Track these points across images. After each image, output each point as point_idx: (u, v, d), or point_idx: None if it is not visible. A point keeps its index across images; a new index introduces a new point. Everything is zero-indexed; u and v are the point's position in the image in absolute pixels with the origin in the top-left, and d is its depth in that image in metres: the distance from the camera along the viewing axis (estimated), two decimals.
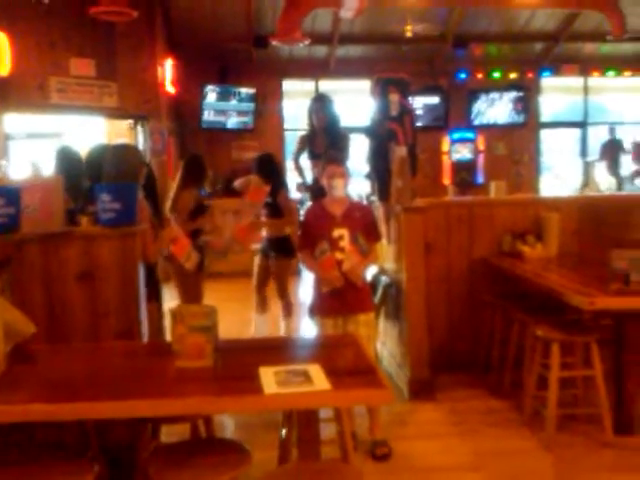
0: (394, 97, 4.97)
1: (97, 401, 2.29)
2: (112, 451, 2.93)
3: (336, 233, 3.82)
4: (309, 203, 5.44)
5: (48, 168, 5.20)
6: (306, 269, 4.17)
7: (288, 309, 5.55)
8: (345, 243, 3.81)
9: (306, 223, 4.04)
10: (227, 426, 4.08)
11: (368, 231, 3.91)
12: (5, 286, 2.96)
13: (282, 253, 5.41)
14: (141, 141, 8.62)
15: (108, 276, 3.46)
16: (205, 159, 5.44)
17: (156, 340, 3.91)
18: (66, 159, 5.00)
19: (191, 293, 5.19)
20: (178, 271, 5.03)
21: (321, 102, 5.59)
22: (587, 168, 11.23)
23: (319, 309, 3.91)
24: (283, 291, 5.52)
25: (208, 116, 10.41)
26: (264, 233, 5.47)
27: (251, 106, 10.68)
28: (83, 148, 5.05)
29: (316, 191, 5.32)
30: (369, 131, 5.25)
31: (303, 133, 5.78)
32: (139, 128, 8.63)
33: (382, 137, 4.95)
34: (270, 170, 5.44)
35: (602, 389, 3.78)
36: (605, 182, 10.38)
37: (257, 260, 5.57)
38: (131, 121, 8.64)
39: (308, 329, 6.38)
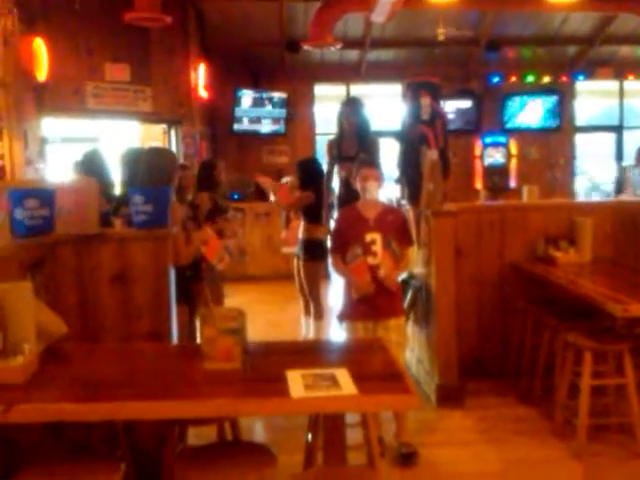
0: (425, 101, 4.95)
1: (127, 402, 2.31)
2: (139, 452, 2.96)
3: (368, 237, 3.81)
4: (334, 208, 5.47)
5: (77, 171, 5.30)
6: (337, 273, 4.15)
7: (319, 312, 5.57)
8: (377, 247, 3.80)
9: (338, 226, 4.04)
10: (254, 429, 4.10)
11: (400, 236, 3.90)
12: (39, 287, 3.02)
13: (312, 255, 5.44)
14: (174, 145, 8.72)
15: (140, 278, 3.51)
16: (228, 164, 5.53)
17: (186, 342, 3.96)
18: (95, 162, 5.10)
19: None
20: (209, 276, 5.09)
21: (352, 106, 5.58)
22: (623, 173, 11.06)
23: (349, 314, 3.91)
24: (313, 294, 5.54)
25: (240, 120, 10.48)
26: (300, 235, 5.52)
27: (283, 110, 10.73)
28: (117, 152, 5.13)
29: (343, 195, 5.34)
30: (400, 135, 5.23)
31: (331, 138, 5.78)
32: (172, 132, 8.74)
33: (413, 141, 4.93)
34: (313, 174, 5.51)
35: (634, 398, 3.72)
36: None
37: (295, 263, 5.60)
38: (165, 125, 8.75)
39: (336, 333, 6.42)
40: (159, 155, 4.14)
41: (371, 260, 3.80)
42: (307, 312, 5.62)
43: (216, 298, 5.24)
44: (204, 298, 4.87)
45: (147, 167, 3.93)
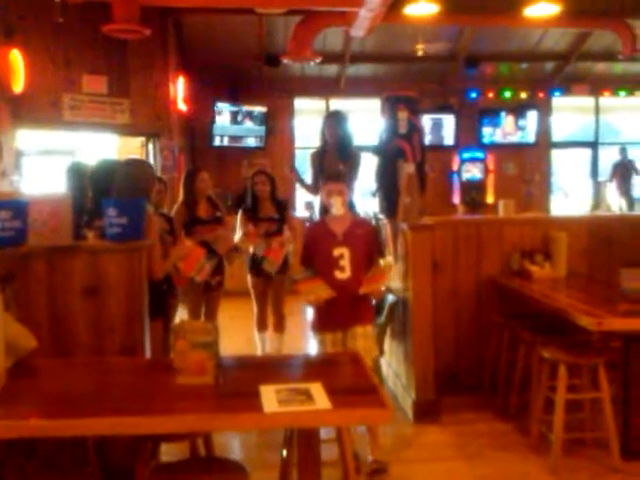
0: (403, 115, 4.98)
1: (97, 417, 2.28)
2: (111, 469, 2.91)
3: (336, 252, 3.83)
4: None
5: (59, 184, 5.25)
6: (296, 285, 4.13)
7: (281, 324, 5.57)
8: (346, 262, 3.81)
9: (306, 241, 4.06)
10: (228, 446, 4.05)
11: (371, 248, 3.92)
12: (9, 300, 2.97)
13: (285, 269, 5.43)
14: (152, 158, 8.66)
15: (113, 291, 3.47)
16: (212, 176, 5.47)
17: (159, 357, 3.91)
18: (76, 175, 5.05)
19: (199, 309, 5.22)
20: (188, 288, 5.05)
21: (334, 118, 5.61)
22: (598, 188, 11.21)
23: (318, 325, 3.94)
24: (278, 306, 5.55)
25: (219, 133, 10.46)
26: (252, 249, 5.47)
27: (262, 124, 10.73)
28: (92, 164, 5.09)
29: (323, 209, 5.34)
30: (377, 148, 5.26)
31: (314, 150, 5.78)
32: (150, 145, 8.68)
33: (390, 154, 4.96)
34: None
35: (609, 413, 3.73)
36: (616, 203, 10.35)
37: (250, 279, 5.55)
38: (143, 138, 8.69)
39: (307, 347, 6.41)
40: (137, 167, 4.10)
41: (339, 274, 3.80)
42: (264, 327, 5.59)
43: (211, 308, 5.21)
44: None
45: (124, 179, 3.89)
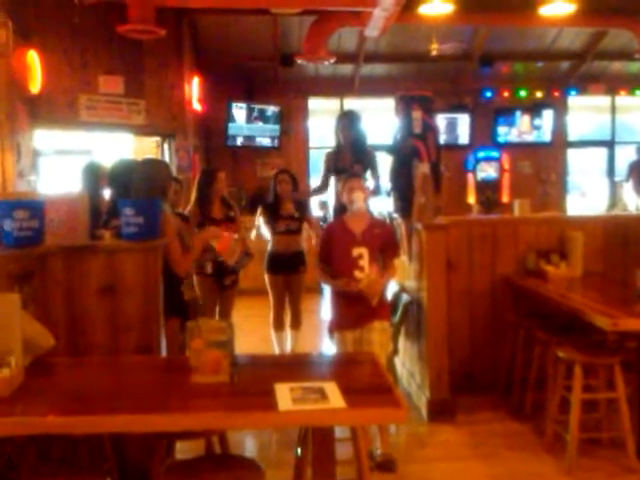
0: (417, 114, 4.98)
1: (113, 415, 2.30)
2: (127, 466, 2.94)
3: (355, 252, 3.87)
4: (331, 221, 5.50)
5: (76, 184, 5.31)
6: (324, 283, 4.25)
7: (298, 321, 5.67)
8: (365, 262, 3.83)
9: (325, 239, 4.06)
10: (243, 444, 4.07)
11: (387, 247, 3.94)
12: (27, 299, 3.00)
13: (297, 268, 5.56)
14: (167, 158, 8.71)
15: (130, 290, 3.49)
16: (227, 176, 5.53)
17: (176, 355, 3.93)
18: (91, 175, 5.10)
19: (214, 308, 5.25)
20: (204, 286, 5.10)
21: (348, 119, 5.63)
22: (614, 188, 11.12)
23: (338, 324, 3.96)
24: (296, 304, 5.63)
25: (233, 133, 10.50)
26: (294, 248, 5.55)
27: (276, 124, 10.76)
28: (110, 164, 5.13)
29: (338, 208, 5.36)
30: (392, 148, 5.26)
31: (329, 150, 5.82)
32: (165, 145, 8.73)
33: (405, 154, 4.96)
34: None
35: (625, 412, 3.71)
36: (633, 202, 10.25)
37: (268, 277, 5.60)
38: (158, 138, 8.74)
39: (321, 345, 6.43)
40: (154, 166, 4.12)
41: (358, 274, 3.83)
42: (281, 326, 5.64)
43: (226, 307, 5.25)
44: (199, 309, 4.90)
45: (142, 178, 3.91)
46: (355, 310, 3.85)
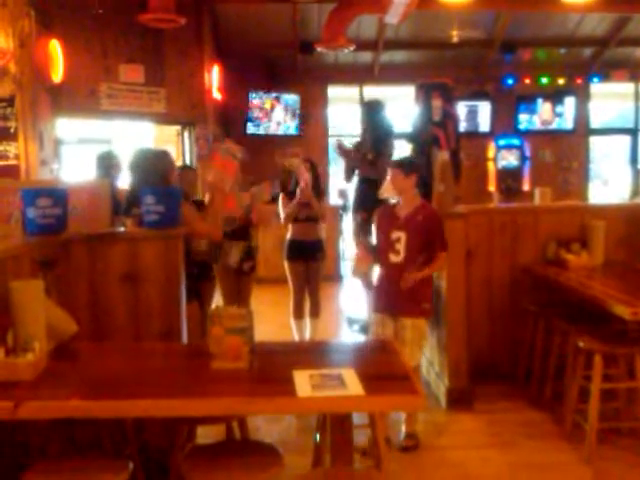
0: (437, 102, 4.97)
1: (135, 399, 2.33)
2: (148, 451, 2.98)
3: (394, 235, 3.91)
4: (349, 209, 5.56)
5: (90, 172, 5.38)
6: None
7: (317, 309, 5.69)
8: (401, 246, 3.87)
9: (375, 224, 4.18)
10: (262, 429, 4.11)
11: (431, 237, 3.91)
12: (50, 285, 3.05)
13: (316, 256, 5.58)
14: (187, 146, 8.76)
15: (151, 277, 3.52)
16: (242, 166, 5.54)
17: (196, 341, 3.97)
18: (105, 163, 5.16)
19: (234, 295, 5.29)
20: (223, 273, 5.14)
21: (367, 107, 5.66)
22: (637, 176, 10.98)
23: (373, 304, 4.19)
24: (315, 291, 5.66)
25: (254, 122, 10.51)
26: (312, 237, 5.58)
27: (296, 112, 10.75)
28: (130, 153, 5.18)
29: (360, 195, 5.41)
30: (411, 136, 5.26)
31: (356, 140, 5.85)
32: (185, 134, 8.78)
33: (424, 142, 4.95)
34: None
35: None
36: None
37: (297, 266, 5.62)
38: (178, 127, 8.79)
39: (340, 333, 6.45)
40: (148, 157, 4.06)
41: (393, 257, 3.87)
42: (301, 314, 5.67)
43: (244, 294, 5.29)
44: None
45: (142, 169, 3.91)
46: (384, 295, 4.00)
